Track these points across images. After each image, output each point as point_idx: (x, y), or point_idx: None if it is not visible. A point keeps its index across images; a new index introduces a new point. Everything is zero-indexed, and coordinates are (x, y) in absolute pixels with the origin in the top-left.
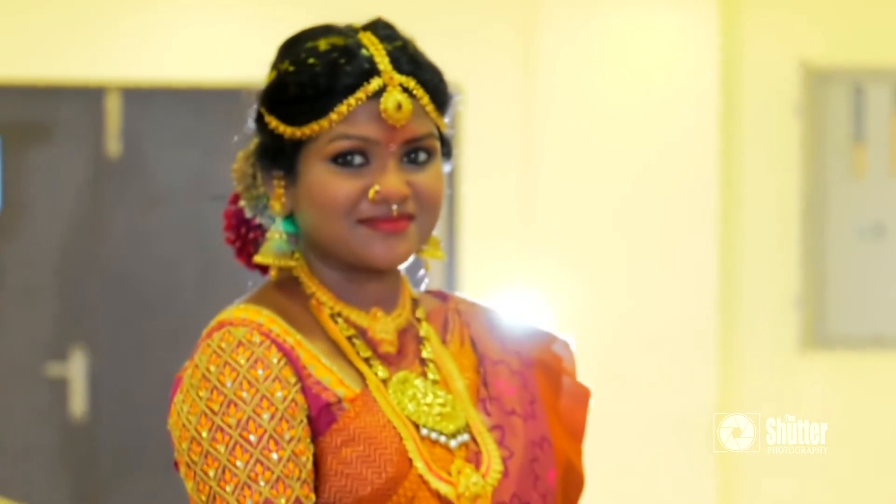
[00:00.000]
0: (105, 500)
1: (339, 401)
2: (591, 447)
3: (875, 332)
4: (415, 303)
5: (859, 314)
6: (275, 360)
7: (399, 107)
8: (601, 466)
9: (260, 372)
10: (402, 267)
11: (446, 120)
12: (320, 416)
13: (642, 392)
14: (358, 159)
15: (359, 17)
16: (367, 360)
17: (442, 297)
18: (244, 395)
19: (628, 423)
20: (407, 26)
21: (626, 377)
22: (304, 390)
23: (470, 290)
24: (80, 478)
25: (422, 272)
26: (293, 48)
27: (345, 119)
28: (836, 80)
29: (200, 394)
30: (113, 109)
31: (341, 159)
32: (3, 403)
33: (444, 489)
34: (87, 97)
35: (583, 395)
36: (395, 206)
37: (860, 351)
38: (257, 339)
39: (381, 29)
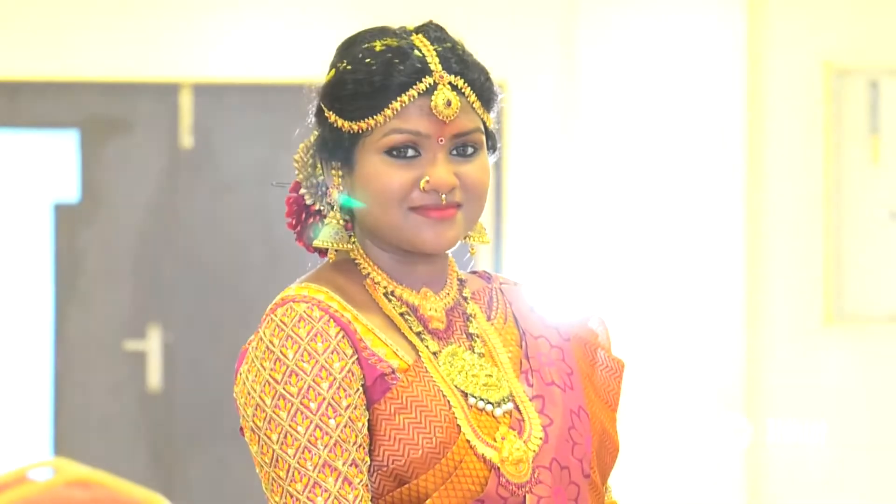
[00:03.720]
0: (179, 465)
1: (393, 371)
2: (626, 416)
3: (890, 308)
4: (462, 283)
5: (876, 292)
6: (333, 334)
7: (448, 103)
8: (636, 434)
9: (319, 344)
10: (450, 251)
11: (492, 115)
12: (375, 385)
13: (677, 364)
14: (410, 152)
15: (412, 20)
16: (418, 335)
17: (487, 277)
18: (305, 365)
19: (663, 394)
20: (456, 28)
21: (661, 352)
22: (361, 361)
23: (515, 271)
24: (155, 445)
25: (468, 255)
26: (351, 49)
27: (398, 114)
28: (853, 76)
29: (264, 364)
30: (186, 105)
31: (395, 151)
32: (86, 377)
33: (489, 454)
34: (163, 93)
35: (617, 368)
36: (443, 196)
37: (876, 326)
38: (317, 314)
39: (431, 31)
